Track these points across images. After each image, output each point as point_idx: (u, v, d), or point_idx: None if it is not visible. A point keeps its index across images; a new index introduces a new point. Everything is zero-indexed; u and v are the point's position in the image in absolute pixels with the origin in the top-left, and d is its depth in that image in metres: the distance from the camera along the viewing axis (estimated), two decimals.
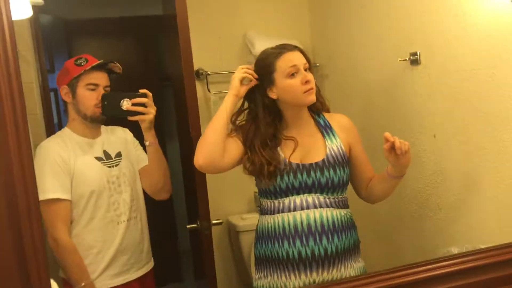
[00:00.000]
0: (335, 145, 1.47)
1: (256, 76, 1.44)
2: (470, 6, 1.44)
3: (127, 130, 1.75)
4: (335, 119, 1.53)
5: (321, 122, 1.52)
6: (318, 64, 2.35)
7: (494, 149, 1.42)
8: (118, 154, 1.65)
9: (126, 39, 3.32)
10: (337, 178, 1.43)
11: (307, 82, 1.40)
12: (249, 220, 2.30)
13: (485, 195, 1.48)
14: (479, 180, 1.50)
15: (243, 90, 1.44)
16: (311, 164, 1.43)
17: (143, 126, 1.58)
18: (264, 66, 1.43)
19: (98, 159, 1.60)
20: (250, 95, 1.47)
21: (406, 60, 1.71)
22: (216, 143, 1.39)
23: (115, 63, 1.62)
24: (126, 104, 1.55)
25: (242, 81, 1.44)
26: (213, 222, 1.81)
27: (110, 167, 1.61)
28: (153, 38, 3.26)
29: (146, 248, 1.71)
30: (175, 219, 3.38)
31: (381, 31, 1.87)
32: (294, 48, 1.44)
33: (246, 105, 1.49)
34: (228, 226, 2.48)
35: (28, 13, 1.68)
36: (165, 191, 1.73)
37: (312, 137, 1.49)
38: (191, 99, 1.74)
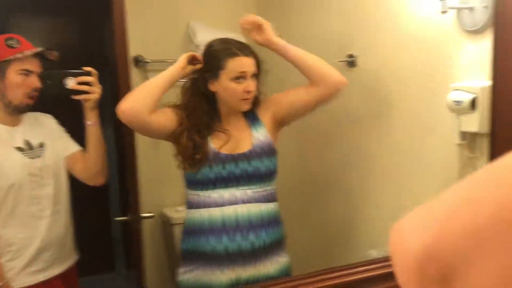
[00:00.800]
0: (261, 134, 1.48)
1: (202, 63, 1.42)
2: (405, 14, 1.47)
3: (50, 117, 1.65)
4: (261, 108, 1.53)
5: (250, 114, 1.52)
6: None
7: (422, 154, 1.48)
8: (41, 144, 1.54)
9: (65, 18, 3.17)
10: (264, 167, 1.43)
11: (248, 92, 1.40)
12: (183, 213, 2.25)
13: (413, 198, 1.52)
14: (407, 184, 1.54)
15: (189, 69, 1.42)
16: (239, 154, 1.43)
17: (87, 105, 1.50)
18: (214, 59, 1.41)
19: (19, 149, 1.48)
20: (192, 79, 1.45)
21: (343, 61, 1.73)
22: (147, 95, 1.37)
23: (53, 52, 1.52)
24: (70, 82, 1.46)
25: (189, 62, 1.42)
26: (144, 215, 1.77)
27: (32, 158, 1.50)
28: (94, 21, 3.14)
29: (69, 243, 1.63)
30: (110, 209, 3.30)
31: (322, 32, 1.88)
32: (251, 53, 1.41)
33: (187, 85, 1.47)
34: (162, 218, 2.43)
35: None
36: (102, 175, 1.64)
37: (240, 129, 1.49)
38: (124, 86, 1.68)
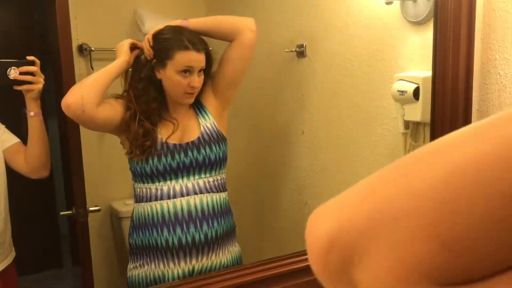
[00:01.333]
0: (208, 122, 1.47)
1: (151, 52, 1.38)
2: (354, 4, 1.49)
3: None
4: (204, 94, 1.51)
5: (196, 103, 1.50)
6: (211, 48, 2.31)
7: (366, 144, 1.50)
8: None
9: (5, 4, 3.01)
10: (213, 155, 1.43)
11: (192, 87, 1.38)
12: (132, 206, 2.22)
13: None
14: (354, 172, 1.57)
15: (132, 56, 1.39)
16: (187, 144, 1.42)
17: (30, 96, 1.44)
18: (164, 47, 1.37)
19: None
20: (139, 64, 1.41)
21: (293, 51, 1.74)
22: (93, 87, 1.33)
23: None
24: (13, 72, 1.40)
25: (131, 49, 1.39)
26: (91, 209, 1.72)
27: None
28: (35, 7, 3.00)
29: (8, 240, 1.56)
30: (56, 203, 3.19)
31: (272, 21, 1.88)
32: (203, 49, 1.38)
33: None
34: (110, 211, 2.38)
35: None
36: (45, 168, 1.58)
37: (187, 118, 1.47)
38: (68, 74, 1.63)
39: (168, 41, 1.37)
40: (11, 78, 1.41)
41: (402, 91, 1.30)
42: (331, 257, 0.33)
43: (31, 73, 1.43)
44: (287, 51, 1.75)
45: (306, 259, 1.12)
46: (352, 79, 1.52)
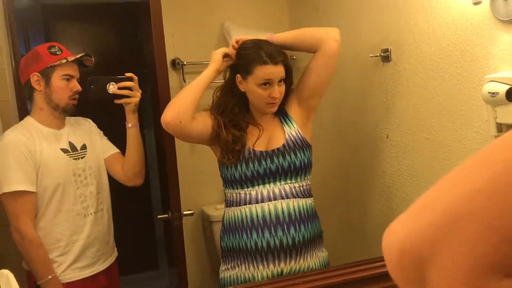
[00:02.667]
0: (293, 130, 1.51)
1: (234, 53, 1.48)
2: (440, 6, 1.46)
3: (90, 120, 1.75)
4: (288, 103, 1.56)
5: (280, 112, 1.55)
6: (294, 57, 2.36)
7: (458, 148, 1.46)
8: (84, 146, 1.64)
9: (104, 25, 3.28)
10: (298, 161, 1.46)
11: (273, 97, 1.44)
12: (222, 211, 2.31)
13: None
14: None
15: (224, 65, 1.49)
16: (273, 150, 1.47)
17: (128, 108, 1.61)
18: (245, 62, 1.46)
19: (64, 151, 1.58)
20: (228, 74, 1.52)
21: (377, 56, 1.73)
22: (188, 104, 1.42)
23: (91, 58, 1.61)
24: (112, 87, 1.57)
25: (223, 58, 1.48)
26: (185, 212, 1.83)
27: (76, 159, 1.59)
28: (132, 25, 3.24)
29: (111, 240, 1.71)
30: (152, 208, 3.39)
31: (356, 27, 1.88)
32: (280, 61, 1.44)
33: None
34: (202, 216, 2.49)
35: None
36: (140, 176, 1.72)
37: (272, 126, 1.53)
38: (163, 88, 1.75)
39: (248, 57, 1.45)
40: (110, 92, 1.56)
41: (494, 93, 1.25)
42: (404, 264, 0.37)
43: (129, 88, 1.57)
44: (371, 56, 1.75)
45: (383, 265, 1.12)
46: (440, 82, 1.49)
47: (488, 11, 1.29)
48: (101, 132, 1.74)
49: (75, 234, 1.57)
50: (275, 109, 1.49)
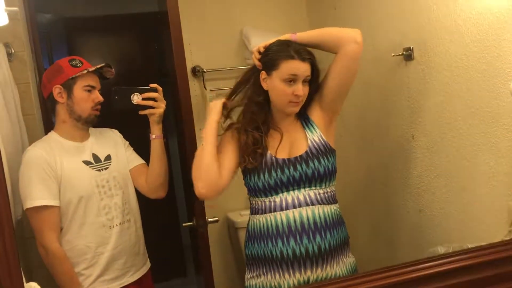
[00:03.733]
0: (316, 136, 1.48)
1: (259, 63, 1.46)
2: (463, 2, 1.42)
3: (116, 131, 1.75)
4: (310, 108, 1.53)
5: (302, 117, 1.53)
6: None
7: (486, 145, 1.41)
8: (108, 157, 1.64)
9: (125, 36, 3.33)
10: (322, 168, 1.43)
11: (296, 95, 1.41)
12: (247, 217, 2.30)
13: (478, 192, 1.47)
14: (472, 177, 1.48)
15: (221, 116, 1.48)
16: (296, 158, 1.44)
17: (152, 119, 1.61)
18: (271, 58, 1.44)
19: (86, 163, 1.59)
20: (249, 78, 1.50)
21: (400, 55, 1.70)
22: (213, 173, 1.42)
23: (111, 69, 1.63)
24: (136, 98, 1.57)
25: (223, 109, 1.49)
26: (210, 219, 1.83)
27: (99, 170, 1.60)
28: (151, 35, 3.27)
29: (141, 250, 1.70)
30: (178, 216, 3.41)
31: (376, 26, 1.85)
32: (307, 59, 1.42)
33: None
34: (227, 222, 2.49)
35: (4, 21, 1.61)
36: (163, 189, 1.72)
37: (294, 131, 1.50)
38: (184, 96, 1.76)
39: (275, 53, 1.43)
40: (134, 103, 1.56)
41: None
42: None
43: (153, 99, 1.57)
44: (393, 55, 1.71)
45: (423, 268, 1.09)
46: (465, 78, 1.44)
47: None
48: (127, 142, 1.75)
49: (101, 246, 1.57)
50: (297, 109, 1.46)
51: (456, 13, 1.44)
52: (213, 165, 1.41)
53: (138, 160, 1.71)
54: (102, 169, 1.61)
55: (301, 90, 1.41)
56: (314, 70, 1.45)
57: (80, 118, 1.58)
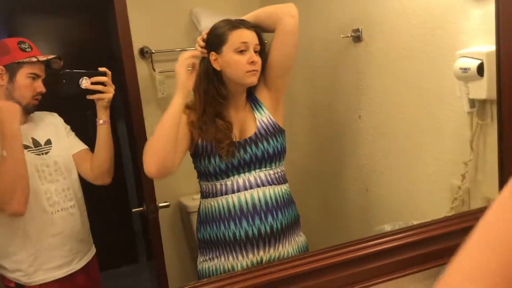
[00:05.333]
0: (264, 117, 1.47)
1: (204, 51, 1.42)
2: None
3: (56, 115, 1.68)
4: (257, 89, 1.51)
5: (251, 98, 1.51)
6: (266, 41, 2.32)
7: (431, 125, 1.45)
8: (48, 142, 1.58)
9: (71, 17, 3.19)
10: (271, 148, 1.43)
11: (252, 62, 1.38)
12: (199, 201, 2.29)
13: (424, 171, 1.51)
14: (417, 156, 1.53)
15: (191, 81, 1.40)
16: (245, 140, 1.44)
17: (101, 104, 1.53)
18: (217, 35, 1.41)
19: (25, 147, 1.52)
20: (200, 64, 1.45)
21: (348, 36, 1.71)
22: (169, 150, 1.35)
23: (60, 61, 1.55)
24: (85, 82, 1.50)
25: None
26: (161, 204, 1.79)
27: (38, 154, 1.54)
28: (97, 15, 3.15)
29: (86, 237, 1.66)
30: (129, 202, 3.34)
31: (326, 8, 1.86)
32: (251, 27, 1.41)
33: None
34: (179, 207, 2.46)
35: None
36: (109, 175, 1.66)
37: (244, 114, 1.49)
38: (131, 78, 1.70)
39: (219, 28, 1.41)
40: (83, 87, 1.50)
41: (465, 69, 1.24)
42: None
43: (102, 83, 1.51)
44: (342, 37, 1.72)
45: (371, 246, 1.11)
46: (412, 60, 1.47)
47: None
48: (68, 126, 1.68)
49: (42, 232, 1.51)
50: (255, 79, 1.42)
51: None
52: (170, 151, 1.35)
53: (81, 146, 1.65)
54: (42, 153, 1.54)
55: (255, 56, 1.39)
56: (261, 40, 1.43)
57: (20, 104, 1.50)
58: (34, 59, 1.46)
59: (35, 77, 1.49)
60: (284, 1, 1.47)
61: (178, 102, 1.36)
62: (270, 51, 1.46)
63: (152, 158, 1.35)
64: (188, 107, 1.46)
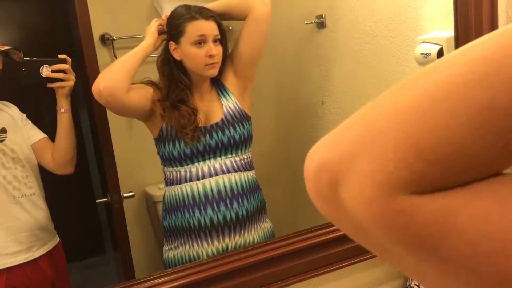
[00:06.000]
0: (231, 103, 1.47)
1: (164, 37, 1.40)
2: None
3: (11, 104, 1.63)
4: (224, 75, 1.50)
5: (217, 83, 1.50)
6: (230, 28, 2.30)
7: None
8: (3, 130, 1.53)
9: (28, 2, 3.08)
10: (238, 135, 1.43)
11: (211, 56, 1.37)
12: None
13: None
14: None
15: (160, 41, 1.39)
16: (212, 126, 1.42)
17: (61, 92, 1.49)
18: (174, 25, 1.39)
19: None
20: (162, 50, 1.43)
21: (312, 23, 1.71)
22: (124, 72, 1.34)
23: (20, 52, 1.49)
24: (46, 70, 1.46)
25: (159, 34, 1.40)
26: (125, 195, 1.76)
27: None
28: (59, 2, 3.05)
29: (47, 225, 1.62)
30: (94, 192, 3.28)
31: None
32: (210, 17, 1.38)
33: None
34: (145, 196, 2.43)
35: None
36: (71, 164, 1.63)
37: (209, 99, 1.47)
38: (91, 65, 1.65)
39: (178, 18, 1.38)
40: (43, 76, 1.45)
41: (426, 54, 1.26)
42: (320, 181, 0.36)
43: (63, 71, 1.47)
44: (306, 23, 1.72)
45: (335, 230, 1.12)
46: (374, 46, 1.49)
47: None
48: (24, 115, 1.63)
49: (0, 216, 1.48)
50: (215, 71, 1.41)
51: None
52: (125, 75, 1.33)
53: (39, 135, 1.61)
54: None
55: (214, 49, 1.37)
56: (221, 29, 1.41)
57: None
58: None
59: None
60: None
61: (144, 43, 1.38)
62: (239, 39, 1.44)
63: (104, 75, 1.36)
64: (155, 85, 1.44)
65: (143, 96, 1.40)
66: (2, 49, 1.44)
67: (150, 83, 1.44)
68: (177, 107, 1.40)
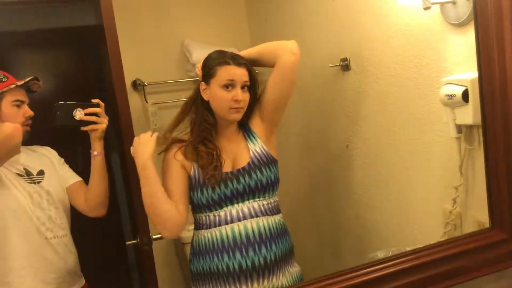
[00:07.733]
0: (257, 147, 1.48)
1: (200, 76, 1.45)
2: (392, 13, 1.48)
3: (49, 148, 1.69)
4: (252, 118, 1.54)
5: (244, 128, 1.53)
6: (257, 71, 2.35)
7: (420, 151, 1.47)
8: (41, 172, 1.58)
9: (61, 51, 3.22)
10: (264, 178, 1.44)
11: (236, 100, 1.40)
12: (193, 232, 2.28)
13: (415, 196, 1.52)
14: (407, 182, 1.54)
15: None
16: (238, 170, 1.44)
17: (94, 136, 1.55)
18: (207, 68, 1.44)
19: (18, 175, 1.53)
20: (195, 90, 1.48)
21: (337, 65, 1.74)
22: (168, 212, 1.39)
23: (38, 81, 1.57)
24: (79, 114, 1.52)
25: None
26: (154, 236, 1.78)
27: (30, 183, 1.54)
28: (90, 49, 3.18)
29: (74, 267, 1.64)
30: (123, 234, 3.31)
31: (313, 40, 1.90)
32: (242, 64, 1.42)
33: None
34: (174, 238, 2.44)
35: None
36: (103, 206, 1.67)
37: (236, 143, 1.50)
38: (123, 111, 1.71)
39: (211, 61, 1.44)
40: (76, 118, 1.51)
41: (451, 95, 1.27)
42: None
43: (96, 114, 1.53)
44: (331, 66, 1.76)
45: (364, 274, 1.10)
46: (398, 87, 1.50)
47: (439, 15, 1.31)
48: (62, 159, 1.68)
49: (30, 258, 1.50)
50: (239, 116, 1.44)
51: (386, 25, 1.50)
52: (171, 209, 1.39)
53: (75, 178, 1.66)
54: (35, 182, 1.55)
55: (240, 95, 1.40)
56: (251, 76, 1.45)
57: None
58: (12, 86, 1.48)
59: (19, 104, 1.51)
60: (280, 38, 1.51)
61: (150, 175, 1.40)
62: (267, 86, 1.48)
63: (164, 229, 1.44)
64: (175, 142, 1.47)
65: (178, 177, 1.44)
66: (21, 82, 1.50)
67: (170, 147, 1.47)
68: (195, 149, 1.43)
